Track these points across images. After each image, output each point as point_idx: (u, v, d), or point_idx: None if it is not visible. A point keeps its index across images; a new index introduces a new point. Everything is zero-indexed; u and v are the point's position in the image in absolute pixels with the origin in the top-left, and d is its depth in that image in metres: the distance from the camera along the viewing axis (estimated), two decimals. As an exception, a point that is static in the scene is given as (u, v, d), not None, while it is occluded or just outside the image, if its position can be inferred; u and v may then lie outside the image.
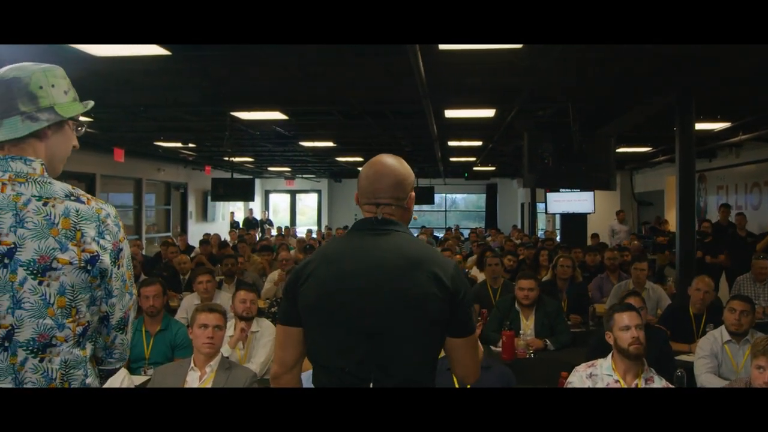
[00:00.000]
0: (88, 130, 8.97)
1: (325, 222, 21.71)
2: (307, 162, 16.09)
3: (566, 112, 6.73)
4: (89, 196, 1.66)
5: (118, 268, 1.67)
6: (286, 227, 18.38)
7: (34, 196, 1.58)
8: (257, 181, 19.20)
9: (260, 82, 6.09)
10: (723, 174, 11.86)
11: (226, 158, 13.44)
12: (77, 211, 1.60)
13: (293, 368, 2.03)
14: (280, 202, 24.05)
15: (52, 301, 1.56)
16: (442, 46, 4.54)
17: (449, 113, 7.41)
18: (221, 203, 18.42)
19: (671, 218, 13.77)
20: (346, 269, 1.92)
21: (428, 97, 5.77)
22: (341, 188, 22.50)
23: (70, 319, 1.59)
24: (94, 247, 1.61)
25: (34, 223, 1.56)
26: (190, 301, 5.49)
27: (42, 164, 1.62)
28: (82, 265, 1.59)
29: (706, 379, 4.00)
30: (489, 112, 7.46)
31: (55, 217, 1.58)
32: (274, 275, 7.49)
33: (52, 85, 1.65)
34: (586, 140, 6.03)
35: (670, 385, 3.23)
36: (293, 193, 23.36)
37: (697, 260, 7.83)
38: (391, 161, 2.04)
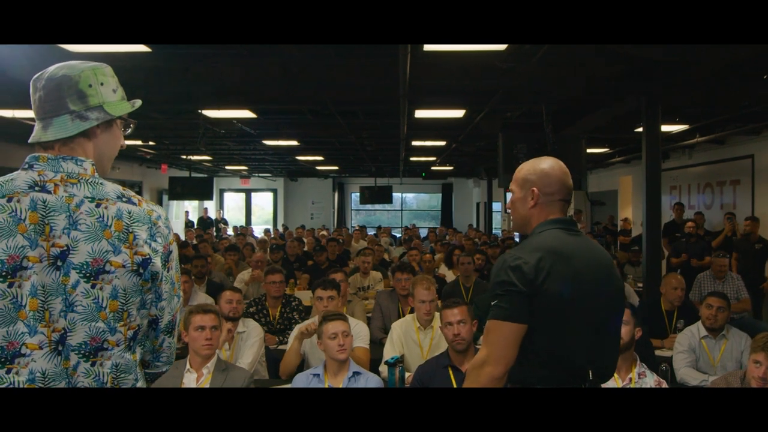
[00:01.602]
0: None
1: (281, 221, 21.54)
2: (265, 160, 15.95)
3: (534, 113, 6.86)
4: (140, 197, 1.64)
5: (168, 271, 1.65)
6: (242, 226, 18.17)
7: (87, 197, 1.55)
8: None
9: (237, 80, 6.02)
10: (676, 174, 12.25)
11: (184, 156, 13.23)
12: (129, 213, 1.58)
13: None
14: (230, 201, 23.71)
15: (104, 305, 1.53)
16: (427, 47, 4.58)
17: (419, 113, 7.46)
18: (175, 202, 18.08)
19: (627, 217, 14.16)
20: (580, 266, 2.01)
21: (405, 97, 5.80)
22: (297, 187, 22.37)
23: (122, 323, 1.56)
24: (146, 249, 1.58)
25: (87, 225, 1.53)
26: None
27: (92, 164, 1.59)
28: (134, 268, 1.56)
29: (685, 372, 4.15)
30: (458, 113, 7.55)
31: (108, 219, 1.55)
32: (245, 275, 7.42)
33: (101, 84, 1.62)
34: (558, 141, 6.16)
35: (662, 381, 3.35)
36: (248, 192, 23.10)
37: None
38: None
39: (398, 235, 18.03)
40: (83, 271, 1.51)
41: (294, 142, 11.21)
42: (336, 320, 3.41)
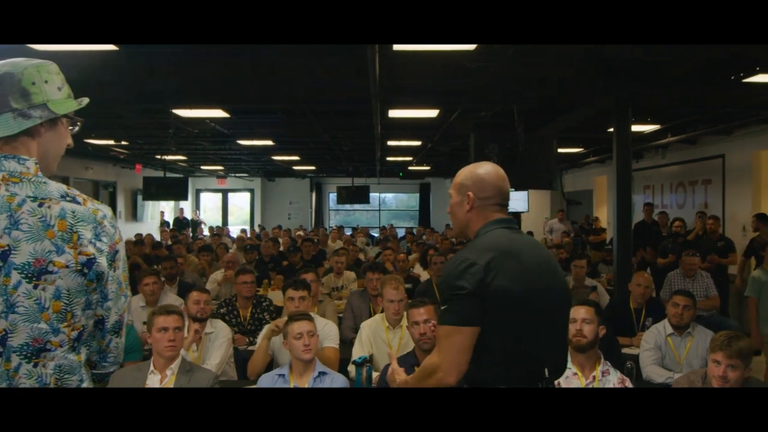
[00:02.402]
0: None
1: (258, 221, 21.43)
2: (241, 161, 15.85)
3: (508, 113, 6.88)
4: (85, 196, 1.61)
5: (114, 271, 1.63)
6: (218, 227, 18.06)
7: (29, 196, 1.52)
8: (189, 180, 18.80)
9: (206, 79, 5.97)
10: (649, 174, 12.38)
11: (159, 156, 13.11)
12: (74, 213, 1.55)
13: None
14: (207, 201, 23.55)
15: (47, 306, 1.51)
16: (396, 47, 4.57)
17: (393, 113, 7.45)
18: (151, 203, 17.91)
19: (602, 216, 14.29)
20: (528, 263, 2.03)
21: (377, 97, 5.79)
22: (275, 187, 22.25)
23: (65, 324, 1.54)
24: (91, 249, 1.56)
25: (29, 224, 1.50)
26: (134, 303, 5.34)
27: (36, 163, 1.57)
28: (78, 268, 1.54)
29: (651, 370, 4.19)
30: (432, 113, 7.55)
31: (50, 219, 1.52)
32: (217, 275, 7.37)
33: (46, 81, 1.60)
34: (530, 141, 6.19)
35: (626, 379, 3.37)
36: (225, 192, 22.96)
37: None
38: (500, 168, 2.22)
39: (376, 235, 18.02)
40: (25, 272, 1.49)
41: (269, 142, 11.15)
42: (301, 320, 3.40)
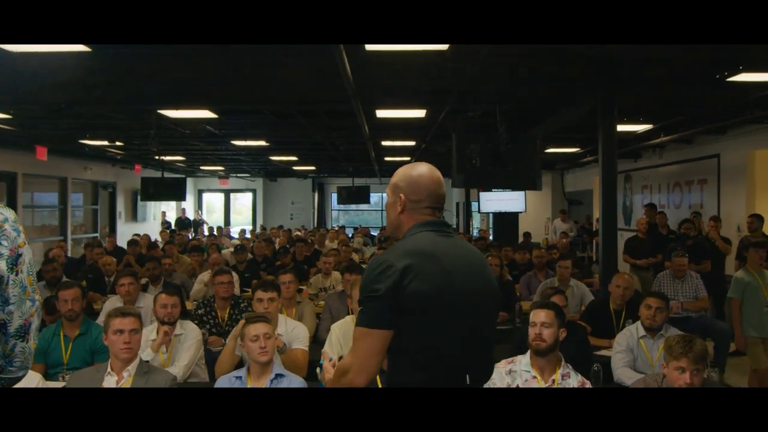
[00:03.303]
0: (7, 127, 8.62)
1: (260, 221, 21.46)
2: (241, 161, 15.86)
3: (495, 113, 6.84)
4: None
5: (17, 275, 1.61)
6: (219, 227, 18.11)
7: None
8: (190, 181, 18.84)
9: (187, 79, 5.96)
10: (647, 174, 12.30)
11: (157, 157, 13.13)
12: None
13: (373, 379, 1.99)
14: (215, 202, 23.64)
15: None
16: (369, 47, 4.54)
17: (381, 113, 7.43)
18: (152, 203, 17.97)
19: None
20: (449, 266, 1.99)
21: (357, 97, 5.77)
22: (276, 187, 22.28)
23: None
24: None
25: None
26: (112, 304, 5.33)
27: None
28: None
29: (622, 372, 4.14)
30: (420, 113, 7.52)
31: None
32: (204, 276, 7.37)
33: None
34: (513, 141, 6.15)
35: (586, 381, 3.33)
36: (227, 193, 23.01)
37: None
38: (438, 171, 2.18)
39: (375, 235, 18.00)
40: None
41: (263, 142, 11.14)
42: (258, 322, 3.38)
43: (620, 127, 8.15)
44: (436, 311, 1.94)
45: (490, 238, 14.52)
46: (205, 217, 21.29)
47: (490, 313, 2.15)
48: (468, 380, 1.97)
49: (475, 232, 17.38)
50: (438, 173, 2.18)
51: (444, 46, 4.52)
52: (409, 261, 1.94)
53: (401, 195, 2.12)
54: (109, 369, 3.35)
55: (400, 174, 2.18)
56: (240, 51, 5.26)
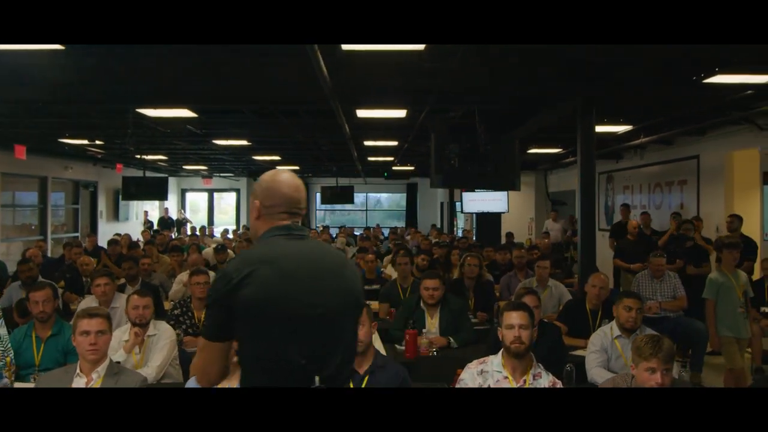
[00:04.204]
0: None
1: (244, 221, 21.38)
2: (224, 161, 15.80)
3: (480, 113, 6.85)
4: None
5: None
6: (202, 227, 18.01)
7: None
8: (173, 180, 18.73)
9: (164, 78, 5.91)
10: (628, 175, 12.38)
11: (138, 156, 13.05)
12: None
13: (217, 383, 2.03)
14: (200, 201, 23.53)
15: None
16: (345, 46, 4.53)
17: (361, 113, 7.42)
18: (134, 202, 17.85)
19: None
20: (290, 269, 2.00)
21: (335, 97, 5.75)
22: (261, 187, 22.17)
23: None
24: None
25: None
26: (87, 305, 5.28)
27: None
28: None
29: (596, 372, 4.16)
30: (401, 113, 7.51)
31: None
32: (183, 276, 7.32)
33: None
34: (492, 142, 6.16)
35: (558, 381, 3.33)
36: (211, 192, 22.91)
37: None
38: (297, 177, 2.19)
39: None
40: None
41: (245, 142, 11.10)
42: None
43: (600, 128, 8.20)
44: (271, 317, 1.95)
45: (474, 238, 14.55)
46: (188, 215, 21.18)
47: (344, 314, 2.11)
48: (317, 382, 1.96)
49: (459, 233, 17.40)
50: (296, 179, 2.20)
51: (420, 46, 4.52)
52: (249, 269, 1.96)
53: (256, 201, 2.15)
54: (78, 370, 3.32)
55: (259, 181, 2.21)
56: (218, 50, 5.23)
